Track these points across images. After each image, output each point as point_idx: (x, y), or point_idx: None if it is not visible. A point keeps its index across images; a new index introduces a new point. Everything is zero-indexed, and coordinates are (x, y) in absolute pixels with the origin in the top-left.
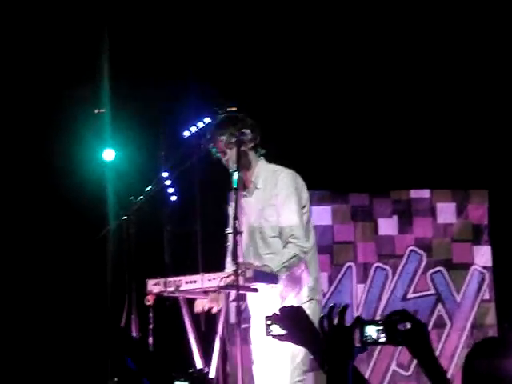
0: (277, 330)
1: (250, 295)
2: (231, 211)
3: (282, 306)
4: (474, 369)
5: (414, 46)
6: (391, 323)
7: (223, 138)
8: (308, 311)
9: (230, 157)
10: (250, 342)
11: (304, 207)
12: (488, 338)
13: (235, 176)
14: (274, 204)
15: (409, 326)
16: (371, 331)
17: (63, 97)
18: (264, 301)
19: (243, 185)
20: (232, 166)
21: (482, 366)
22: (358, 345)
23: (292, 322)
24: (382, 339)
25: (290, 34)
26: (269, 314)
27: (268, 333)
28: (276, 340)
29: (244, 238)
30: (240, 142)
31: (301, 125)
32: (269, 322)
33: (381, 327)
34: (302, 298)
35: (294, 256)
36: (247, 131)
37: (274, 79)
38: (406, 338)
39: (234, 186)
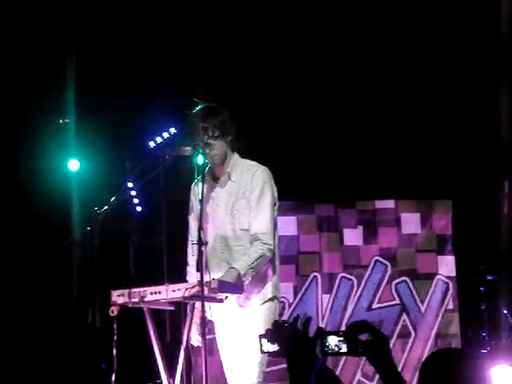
0: (270, 346)
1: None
2: (193, 222)
3: (247, 306)
4: (427, 380)
5: (381, 61)
6: (352, 334)
7: (208, 129)
8: (270, 310)
9: (217, 151)
10: (217, 351)
11: (275, 204)
12: (440, 349)
13: (200, 186)
14: (246, 198)
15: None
16: (332, 342)
17: (28, 107)
18: (227, 300)
19: (215, 176)
20: (217, 161)
21: (433, 377)
22: (319, 355)
23: (285, 337)
24: (344, 350)
25: (261, 36)
26: (261, 332)
27: (262, 350)
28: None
29: (211, 230)
30: (224, 134)
31: (268, 134)
32: (263, 340)
33: (342, 338)
34: (266, 294)
35: (261, 256)
36: (229, 123)
37: (242, 84)
38: (367, 349)
39: (199, 198)
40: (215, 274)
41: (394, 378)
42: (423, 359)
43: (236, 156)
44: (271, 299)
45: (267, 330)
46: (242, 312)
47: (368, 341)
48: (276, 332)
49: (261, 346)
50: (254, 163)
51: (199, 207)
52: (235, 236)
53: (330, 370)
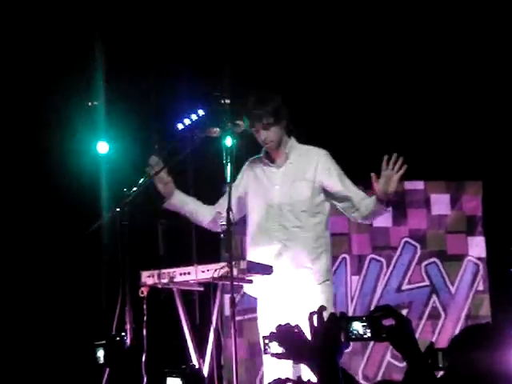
0: (275, 348)
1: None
2: (224, 203)
3: (301, 286)
4: (454, 361)
5: (409, 39)
6: (375, 319)
7: (262, 117)
8: (324, 294)
9: (272, 137)
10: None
11: None
12: (471, 325)
13: (228, 169)
14: (307, 179)
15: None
16: (357, 327)
17: (57, 89)
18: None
19: (271, 159)
20: (273, 147)
21: (458, 359)
22: (344, 341)
23: (290, 339)
24: (367, 335)
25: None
26: (266, 334)
27: (266, 351)
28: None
29: (262, 210)
30: (278, 120)
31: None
32: (266, 341)
33: (365, 323)
34: (321, 275)
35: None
36: (283, 109)
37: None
38: (390, 334)
39: (228, 181)
40: (266, 253)
41: (418, 361)
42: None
43: (293, 140)
44: (326, 281)
45: (272, 333)
46: (293, 292)
47: (390, 326)
48: (281, 335)
49: (265, 347)
50: (312, 147)
51: (227, 189)
52: (295, 217)
53: (346, 372)
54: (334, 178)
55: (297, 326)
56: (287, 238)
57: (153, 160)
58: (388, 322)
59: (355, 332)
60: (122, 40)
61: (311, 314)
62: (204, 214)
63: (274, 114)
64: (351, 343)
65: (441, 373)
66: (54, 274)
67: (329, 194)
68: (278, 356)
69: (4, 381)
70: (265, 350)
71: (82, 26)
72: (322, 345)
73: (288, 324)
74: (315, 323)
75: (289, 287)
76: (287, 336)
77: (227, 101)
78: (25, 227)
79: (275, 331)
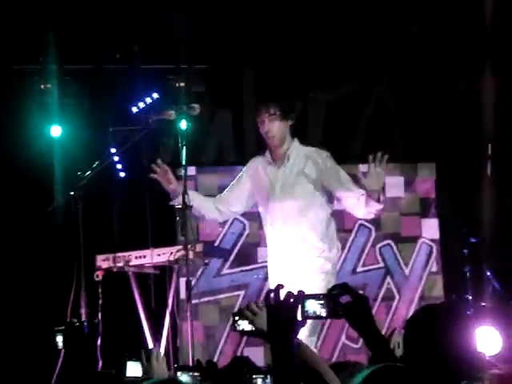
0: (245, 325)
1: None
2: (234, 190)
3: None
4: (410, 340)
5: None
6: (332, 297)
7: (269, 107)
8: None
9: (276, 131)
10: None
11: None
12: (427, 305)
13: (184, 152)
14: (310, 178)
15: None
16: (312, 305)
17: (10, 72)
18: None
19: (272, 157)
20: (275, 142)
21: (420, 332)
22: (299, 319)
23: (259, 318)
24: (323, 314)
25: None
26: (235, 311)
27: (235, 328)
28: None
29: (266, 207)
30: (285, 116)
31: None
32: (236, 318)
33: (322, 301)
34: (333, 258)
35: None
36: (292, 106)
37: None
38: (347, 311)
39: (183, 163)
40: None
41: (375, 338)
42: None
43: (296, 141)
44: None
45: (240, 310)
46: (298, 277)
47: (347, 303)
48: (251, 313)
49: (234, 324)
50: (314, 148)
51: (183, 172)
52: (297, 214)
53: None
54: (339, 180)
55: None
56: (293, 232)
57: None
58: (345, 300)
59: (311, 310)
60: (76, 22)
61: (268, 291)
62: (207, 209)
63: (283, 108)
64: (307, 321)
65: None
66: (9, 259)
67: (332, 194)
68: (246, 334)
69: None
70: (234, 327)
71: (38, 8)
72: (277, 322)
73: (255, 303)
74: (272, 301)
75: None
76: (256, 315)
77: (182, 84)
78: None
79: (243, 309)
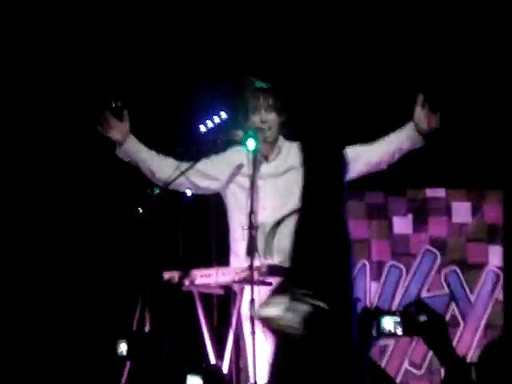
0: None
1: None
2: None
3: None
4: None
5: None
6: (408, 314)
7: (268, 97)
8: None
9: (271, 124)
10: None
11: None
12: (505, 333)
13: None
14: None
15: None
16: (388, 323)
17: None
18: None
19: (262, 155)
20: (269, 137)
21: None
22: (374, 335)
23: None
24: (400, 330)
25: None
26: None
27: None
28: None
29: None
30: (280, 110)
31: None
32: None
33: (398, 319)
34: None
35: None
36: (286, 103)
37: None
38: (423, 329)
39: (250, 184)
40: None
41: (451, 358)
42: (471, 351)
43: (282, 138)
44: None
45: None
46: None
47: (424, 321)
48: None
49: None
50: (297, 142)
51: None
52: (286, 210)
53: (375, 364)
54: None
55: None
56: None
57: None
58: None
59: (387, 327)
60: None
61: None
62: (159, 166)
63: (280, 104)
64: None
65: None
66: (79, 272)
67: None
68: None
69: (30, 373)
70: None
71: None
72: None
73: None
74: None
75: None
76: None
77: None
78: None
79: None
